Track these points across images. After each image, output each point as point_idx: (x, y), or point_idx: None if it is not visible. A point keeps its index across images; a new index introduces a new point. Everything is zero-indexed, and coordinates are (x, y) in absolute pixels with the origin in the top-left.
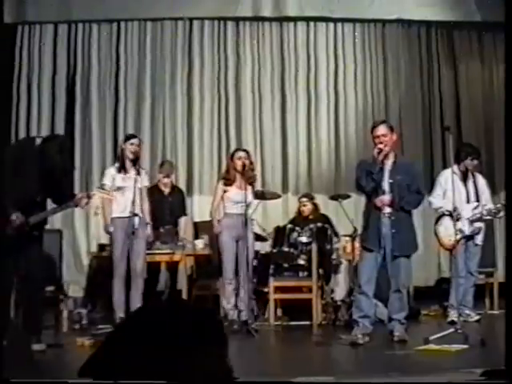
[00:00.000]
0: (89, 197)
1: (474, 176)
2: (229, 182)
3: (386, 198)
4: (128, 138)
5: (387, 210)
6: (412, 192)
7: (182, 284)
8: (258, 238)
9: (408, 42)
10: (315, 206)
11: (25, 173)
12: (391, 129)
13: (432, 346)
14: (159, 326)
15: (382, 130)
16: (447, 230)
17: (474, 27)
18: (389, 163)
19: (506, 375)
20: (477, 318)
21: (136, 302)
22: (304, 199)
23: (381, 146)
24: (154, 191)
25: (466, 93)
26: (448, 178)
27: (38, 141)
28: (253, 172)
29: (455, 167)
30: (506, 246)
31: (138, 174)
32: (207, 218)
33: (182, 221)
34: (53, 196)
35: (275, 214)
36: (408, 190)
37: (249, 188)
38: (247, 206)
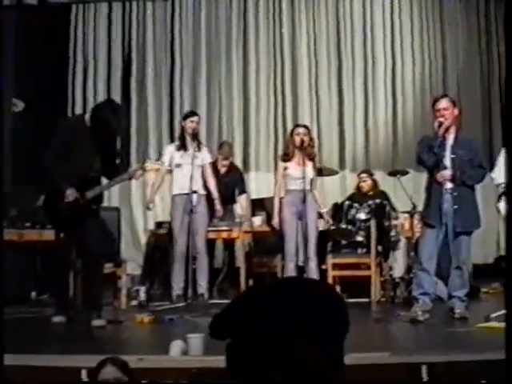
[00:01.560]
0: (143, 169)
1: None
2: (287, 157)
3: (448, 172)
4: (187, 115)
5: (449, 185)
6: (474, 167)
7: (240, 261)
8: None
9: (466, 15)
10: (374, 182)
11: (77, 149)
12: (453, 103)
13: (493, 324)
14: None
15: (443, 103)
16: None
17: None
18: (450, 138)
19: None
20: None
21: (202, 281)
22: (363, 175)
23: (441, 119)
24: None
25: None
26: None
27: (88, 116)
28: (312, 148)
29: None
30: (506, 246)
31: (198, 150)
32: (264, 195)
33: (241, 198)
34: (106, 170)
35: (332, 190)
36: (470, 165)
37: (309, 164)
38: (309, 181)
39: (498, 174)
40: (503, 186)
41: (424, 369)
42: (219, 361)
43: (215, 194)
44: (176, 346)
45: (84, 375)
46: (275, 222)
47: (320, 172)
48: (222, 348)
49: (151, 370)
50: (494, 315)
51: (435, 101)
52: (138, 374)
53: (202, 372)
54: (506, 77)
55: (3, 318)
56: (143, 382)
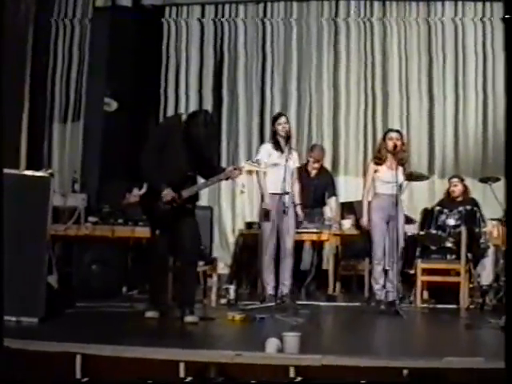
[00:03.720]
0: (239, 169)
1: None
2: (380, 161)
3: None
4: (276, 117)
5: None
6: None
7: (328, 263)
8: (407, 220)
9: None
10: (465, 187)
11: (174, 149)
12: None
13: None
14: None
15: None
16: None
17: None
18: None
19: None
20: None
21: (286, 281)
22: (455, 179)
23: None
24: (301, 172)
25: None
26: None
27: (184, 117)
28: (405, 153)
29: None
30: (506, 245)
31: (290, 152)
32: (353, 199)
33: (332, 201)
34: (202, 170)
35: (421, 196)
36: None
37: (400, 168)
38: (399, 186)
39: None
40: None
41: None
42: (315, 359)
43: (298, 198)
44: (272, 344)
45: (182, 369)
46: (364, 221)
47: (410, 177)
48: (316, 347)
49: (248, 365)
50: None
51: None
52: (235, 369)
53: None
54: (505, 85)
55: (3, 320)
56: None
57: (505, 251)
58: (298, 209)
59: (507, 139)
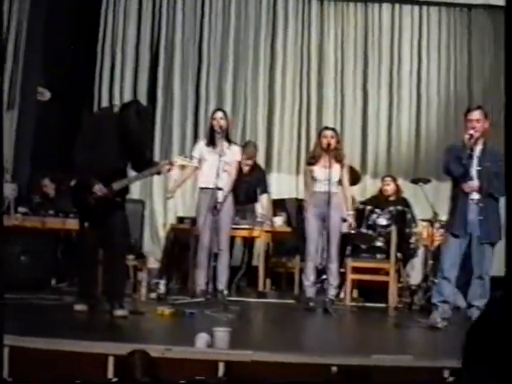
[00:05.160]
0: (171, 164)
1: None
2: (314, 160)
3: (475, 183)
4: (214, 111)
5: (475, 196)
6: (501, 179)
7: (258, 260)
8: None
9: (494, 28)
10: (397, 187)
11: (105, 141)
12: (485, 115)
13: None
14: None
15: (476, 115)
16: None
17: None
18: (478, 149)
19: None
20: None
21: (222, 277)
22: (388, 178)
23: (472, 131)
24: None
25: None
26: None
27: (117, 109)
28: (340, 151)
29: None
30: (506, 242)
31: (228, 147)
32: (285, 196)
33: (263, 198)
34: (134, 164)
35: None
36: (496, 177)
37: (336, 166)
38: (335, 184)
39: None
40: None
41: (446, 373)
42: (245, 355)
43: (231, 192)
44: (202, 339)
45: (111, 362)
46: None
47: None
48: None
49: (178, 360)
50: None
51: (468, 111)
52: (164, 364)
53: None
54: (505, 81)
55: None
56: None
57: (505, 255)
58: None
59: (506, 140)
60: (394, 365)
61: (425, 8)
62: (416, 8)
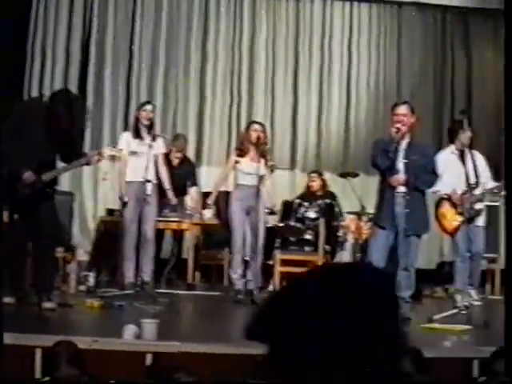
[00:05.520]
0: (100, 154)
1: (472, 154)
2: (242, 153)
3: (402, 177)
4: (142, 104)
5: (402, 189)
6: (427, 172)
7: (188, 253)
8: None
9: (423, 25)
10: (323, 182)
11: (34, 130)
12: (412, 110)
13: (436, 325)
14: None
15: (403, 109)
16: (447, 213)
17: (489, 14)
18: (404, 143)
19: None
20: (478, 302)
21: (147, 268)
22: (313, 174)
23: (398, 125)
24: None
25: (479, 79)
26: (445, 159)
27: (47, 98)
28: (265, 146)
29: (452, 147)
30: (505, 238)
31: (153, 140)
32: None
33: (192, 191)
34: (63, 154)
35: (283, 188)
36: (423, 170)
37: (261, 161)
38: (260, 178)
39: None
40: (439, 193)
41: None
42: (172, 346)
43: (167, 183)
44: (129, 330)
45: (38, 354)
46: (211, 199)
47: (272, 169)
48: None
49: (105, 352)
50: (436, 317)
51: (395, 105)
52: (91, 355)
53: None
54: (504, 80)
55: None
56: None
57: (505, 250)
58: (169, 193)
59: (507, 140)
60: None
61: (356, 5)
62: (347, 4)
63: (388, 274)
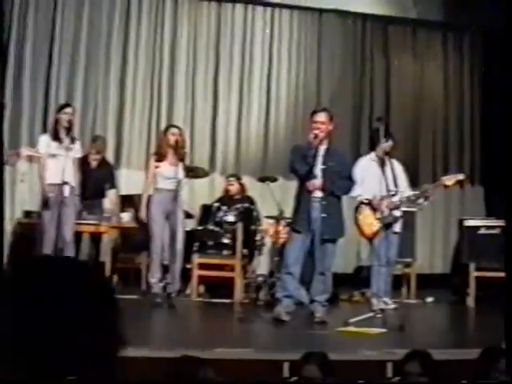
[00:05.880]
0: (18, 154)
1: (391, 163)
2: (160, 157)
3: (318, 182)
4: (62, 107)
5: (318, 194)
6: (343, 178)
7: (105, 256)
8: (186, 215)
9: (343, 32)
10: (242, 186)
11: None
12: (330, 118)
13: (351, 328)
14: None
15: (321, 116)
16: (367, 219)
17: (408, 23)
18: (322, 149)
19: None
20: (394, 306)
21: None
22: (231, 178)
23: (317, 131)
24: (82, 163)
25: (397, 86)
26: (365, 166)
27: None
28: (183, 149)
29: (373, 154)
30: (506, 243)
31: (72, 143)
32: (134, 192)
33: (111, 193)
34: None
35: (201, 192)
36: (339, 176)
37: (180, 164)
38: (178, 182)
39: (355, 188)
40: (359, 198)
41: (286, 366)
42: None
43: (78, 189)
44: None
45: None
46: (142, 214)
47: (191, 173)
48: None
49: None
50: (352, 320)
51: (314, 112)
52: None
53: None
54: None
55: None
56: None
57: (506, 252)
58: (76, 199)
59: (507, 141)
60: (236, 358)
61: (277, 10)
62: (268, 10)
63: (82, 263)
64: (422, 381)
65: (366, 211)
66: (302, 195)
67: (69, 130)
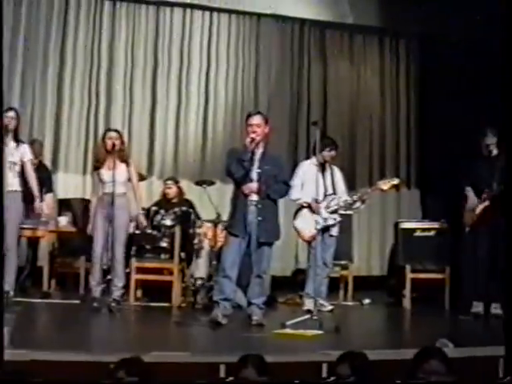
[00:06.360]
0: None
1: (331, 168)
2: (99, 163)
3: (254, 185)
4: (5, 111)
5: (254, 197)
6: (279, 182)
7: (43, 261)
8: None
9: (281, 37)
10: (180, 189)
11: None
12: (265, 120)
13: (288, 331)
14: None
15: (256, 119)
16: (306, 222)
17: (346, 28)
18: (258, 153)
19: None
20: (330, 308)
21: (9, 277)
22: (169, 182)
23: (253, 135)
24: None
25: (334, 90)
26: (306, 170)
27: None
28: (123, 152)
29: (314, 159)
30: (506, 249)
31: (17, 146)
32: (71, 196)
33: (48, 197)
34: None
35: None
36: (275, 180)
37: (121, 166)
38: (121, 184)
39: (295, 190)
40: (299, 202)
41: (223, 368)
42: (23, 354)
43: (36, 190)
44: None
45: None
46: (89, 228)
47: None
48: (27, 342)
49: None
50: (289, 323)
51: (249, 116)
52: None
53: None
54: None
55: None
56: None
57: (505, 255)
58: (37, 202)
59: (507, 143)
60: (172, 361)
61: (215, 14)
62: (207, 13)
63: None
64: (352, 382)
65: (305, 214)
66: (238, 199)
67: (13, 134)
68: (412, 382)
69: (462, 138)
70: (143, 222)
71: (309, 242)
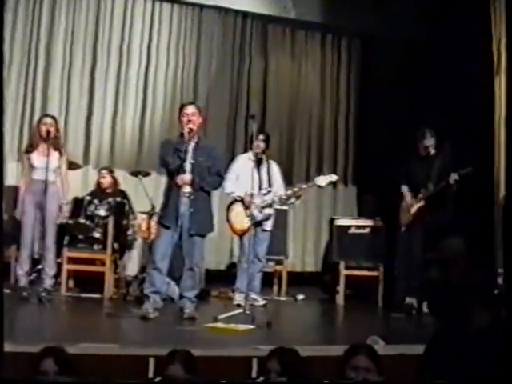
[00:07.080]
0: None
1: (268, 163)
2: (31, 148)
3: (187, 177)
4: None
5: (187, 189)
6: (212, 174)
7: None
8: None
9: (223, 29)
10: (114, 179)
11: None
12: (199, 110)
13: (220, 325)
14: None
15: (191, 109)
16: (238, 216)
17: (288, 23)
18: (192, 144)
19: None
20: (263, 302)
21: None
22: (104, 171)
23: (191, 125)
24: None
25: (274, 85)
26: (242, 164)
27: None
28: (58, 139)
29: (250, 153)
30: (504, 246)
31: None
32: (4, 184)
33: None
34: None
35: (74, 185)
36: (208, 171)
37: (54, 154)
38: (53, 172)
39: (230, 183)
40: (233, 195)
41: (152, 361)
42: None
43: None
44: None
45: None
46: (17, 212)
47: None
48: None
49: None
50: (221, 317)
51: (183, 105)
52: None
53: None
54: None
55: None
56: None
57: (503, 248)
58: None
59: (508, 141)
60: (100, 353)
61: (157, 4)
62: (149, 3)
63: None
64: (280, 378)
65: (238, 208)
66: (171, 190)
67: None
68: (339, 382)
69: (400, 138)
70: (65, 212)
71: (240, 236)
